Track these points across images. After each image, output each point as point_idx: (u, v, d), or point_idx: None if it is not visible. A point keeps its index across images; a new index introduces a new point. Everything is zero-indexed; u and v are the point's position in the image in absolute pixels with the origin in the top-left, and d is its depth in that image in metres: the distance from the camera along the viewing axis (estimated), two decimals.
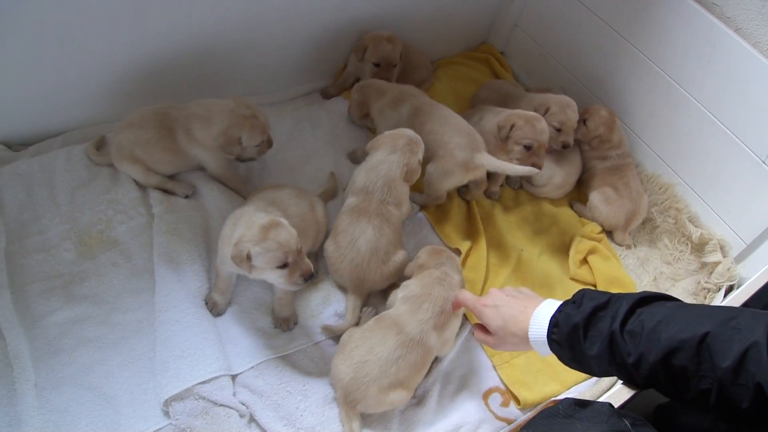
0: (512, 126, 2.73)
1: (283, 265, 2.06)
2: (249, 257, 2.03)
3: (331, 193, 2.84)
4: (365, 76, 3.11)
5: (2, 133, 2.69)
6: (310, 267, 2.13)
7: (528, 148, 2.73)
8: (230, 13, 2.72)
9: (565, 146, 2.99)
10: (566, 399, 1.96)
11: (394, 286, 2.46)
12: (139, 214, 2.57)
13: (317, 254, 2.61)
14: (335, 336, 2.42)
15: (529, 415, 2.38)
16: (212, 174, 2.71)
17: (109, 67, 2.64)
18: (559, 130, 2.96)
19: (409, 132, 2.54)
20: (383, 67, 3.05)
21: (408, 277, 2.38)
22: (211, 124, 2.51)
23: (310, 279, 2.13)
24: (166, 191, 2.64)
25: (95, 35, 2.48)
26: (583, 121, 3.08)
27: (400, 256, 2.50)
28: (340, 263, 2.45)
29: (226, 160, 2.66)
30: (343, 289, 2.55)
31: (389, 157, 2.49)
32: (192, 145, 2.57)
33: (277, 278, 2.11)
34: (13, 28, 2.30)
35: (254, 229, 2.03)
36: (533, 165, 2.70)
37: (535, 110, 2.93)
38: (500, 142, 2.80)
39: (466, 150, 2.67)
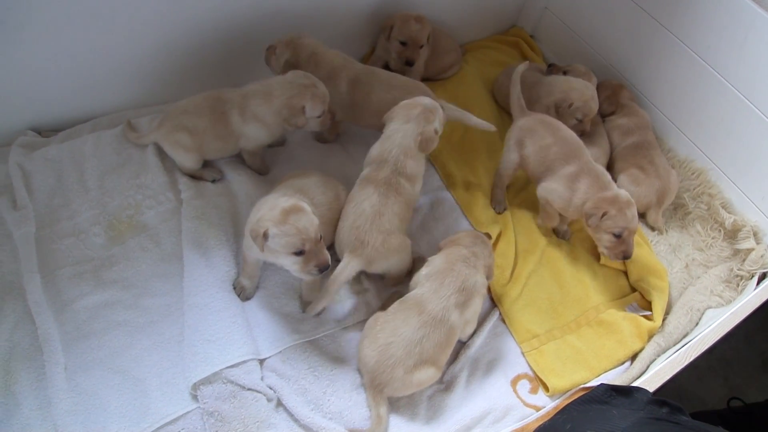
0: (604, 214, 2.47)
1: (299, 252, 2.04)
2: (266, 236, 2.00)
3: None
4: (392, 56, 3.08)
5: (32, 119, 2.71)
6: (326, 258, 2.09)
7: (618, 236, 2.50)
8: None
9: (582, 134, 2.95)
10: (602, 385, 1.95)
11: (419, 263, 2.43)
12: (167, 200, 2.58)
13: None
14: (363, 320, 2.41)
15: (560, 401, 2.37)
16: (249, 150, 2.69)
17: (138, 52, 2.65)
18: (580, 121, 2.95)
19: (425, 100, 2.50)
20: (409, 46, 3.01)
21: (439, 250, 2.35)
22: (272, 97, 2.51)
23: (325, 270, 2.10)
24: (194, 176, 2.65)
25: (124, 21, 2.49)
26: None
27: (401, 238, 2.41)
28: (342, 225, 2.38)
29: (271, 139, 2.67)
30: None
31: (403, 126, 2.45)
32: (247, 124, 2.56)
33: (291, 264, 2.09)
34: (43, 16, 2.32)
35: (275, 211, 2.02)
36: (624, 254, 2.51)
37: (557, 106, 2.93)
38: (589, 228, 2.57)
39: None
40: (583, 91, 2.94)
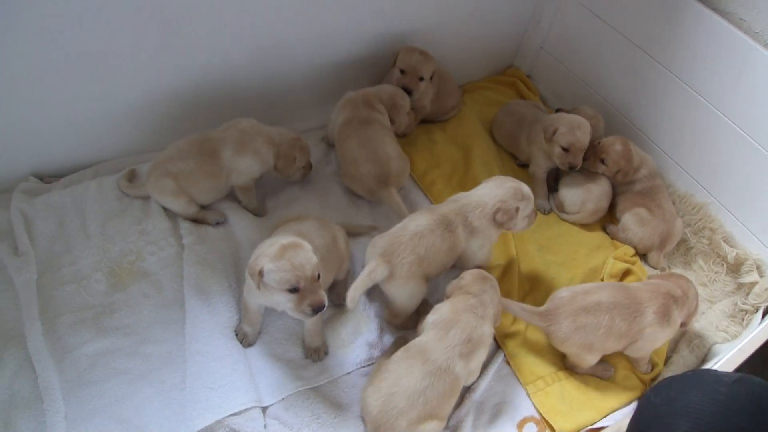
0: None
1: (294, 289, 2.00)
2: (261, 273, 1.98)
3: (358, 232, 2.80)
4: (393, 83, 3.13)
5: (34, 165, 2.73)
6: (322, 299, 2.04)
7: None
8: (260, 44, 2.76)
9: (572, 167, 2.97)
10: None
11: (425, 310, 2.40)
12: (169, 245, 2.58)
13: (342, 283, 2.57)
14: (365, 365, 2.40)
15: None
16: (241, 186, 2.72)
17: (139, 99, 2.68)
18: (567, 150, 2.93)
19: (524, 187, 2.49)
20: (407, 74, 3.05)
21: (446, 297, 2.33)
22: (274, 144, 2.66)
23: (319, 311, 2.05)
24: (196, 220, 2.65)
25: (126, 68, 2.52)
26: (601, 160, 3.01)
27: (422, 281, 2.43)
28: (382, 235, 2.43)
29: (261, 172, 2.74)
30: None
31: (492, 189, 2.47)
32: (243, 157, 2.61)
33: (285, 302, 2.04)
34: (45, 62, 2.35)
35: (274, 247, 2.00)
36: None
37: (544, 132, 2.96)
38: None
39: (373, 181, 2.83)
40: (570, 120, 2.95)
